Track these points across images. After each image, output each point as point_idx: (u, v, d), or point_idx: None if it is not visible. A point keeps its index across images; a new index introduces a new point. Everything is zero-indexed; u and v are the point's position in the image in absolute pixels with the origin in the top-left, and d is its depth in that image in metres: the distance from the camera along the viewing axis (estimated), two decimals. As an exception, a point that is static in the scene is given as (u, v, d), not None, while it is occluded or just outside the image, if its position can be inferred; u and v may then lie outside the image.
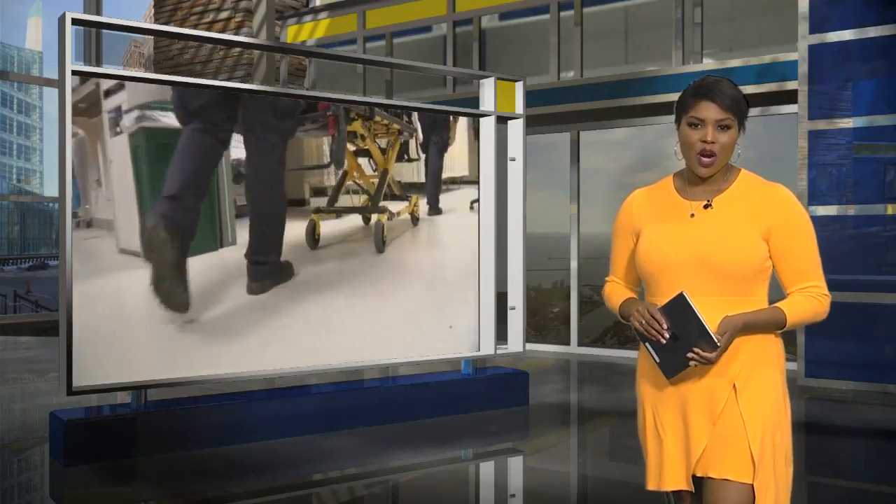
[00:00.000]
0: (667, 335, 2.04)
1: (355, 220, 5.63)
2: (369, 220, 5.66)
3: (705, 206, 2.12)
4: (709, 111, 2.06)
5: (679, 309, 2.02)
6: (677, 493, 2.18)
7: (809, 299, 2.10)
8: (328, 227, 5.48)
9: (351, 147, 5.61)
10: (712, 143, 2.06)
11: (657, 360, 2.08)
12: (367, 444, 5.12)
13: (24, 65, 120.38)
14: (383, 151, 5.74)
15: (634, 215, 2.26)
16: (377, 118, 5.70)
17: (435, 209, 5.93)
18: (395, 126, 5.77)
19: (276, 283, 5.20)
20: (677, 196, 2.18)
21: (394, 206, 5.76)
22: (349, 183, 5.59)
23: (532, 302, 9.06)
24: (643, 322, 2.06)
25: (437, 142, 5.98)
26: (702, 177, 2.12)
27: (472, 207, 6.08)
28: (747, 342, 2.07)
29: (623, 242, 2.29)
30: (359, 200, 5.63)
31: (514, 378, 6.23)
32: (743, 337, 2.06)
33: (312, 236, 5.38)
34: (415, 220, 5.83)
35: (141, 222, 4.75)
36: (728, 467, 2.05)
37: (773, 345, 2.13)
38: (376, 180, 5.71)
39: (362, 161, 5.66)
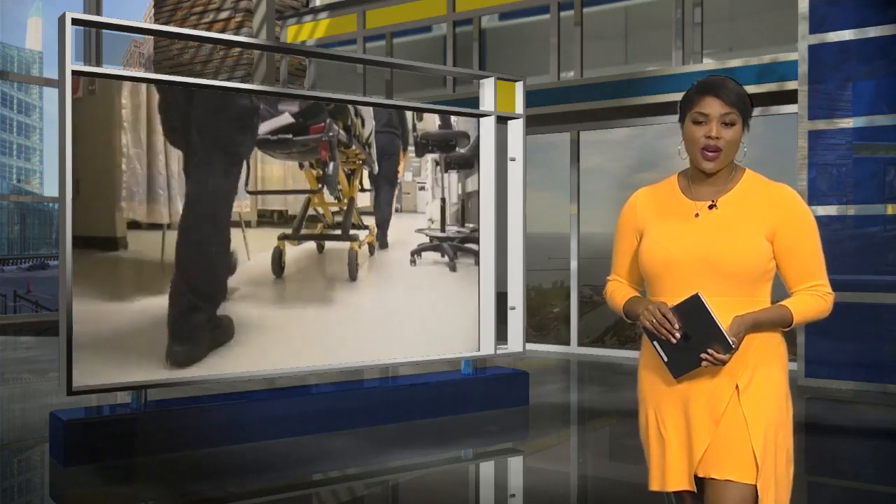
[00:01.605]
0: (678, 335, 2.03)
1: (332, 246, 5.52)
2: (323, 248, 5.50)
3: (710, 207, 2.12)
4: (713, 106, 2.07)
5: (693, 310, 2.01)
6: (678, 494, 2.18)
7: (815, 298, 2.11)
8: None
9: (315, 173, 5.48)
10: (717, 138, 2.07)
11: (665, 359, 2.08)
12: (367, 444, 5.12)
13: (24, 65, 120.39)
14: (348, 179, 5.64)
15: (638, 214, 2.25)
16: (353, 147, 5.59)
17: (384, 241, 5.77)
18: (362, 155, 5.66)
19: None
20: (682, 196, 2.18)
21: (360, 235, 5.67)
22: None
23: (532, 302, 9.06)
24: (654, 321, 2.06)
25: (388, 174, 5.82)
26: (707, 172, 2.11)
27: (412, 261, 5.84)
28: (753, 342, 2.07)
29: (626, 241, 2.29)
30: (316, 228, 5.49)
31: (514, 378, 6.23)
32: (748, 338, 2.06)
33: (278, 263, 5.28)
34: (371, 249, 5.69)
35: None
36: (731, 468, 2.05)
37: (776, 344, 2.13)
38: (335, 208, 5.57)
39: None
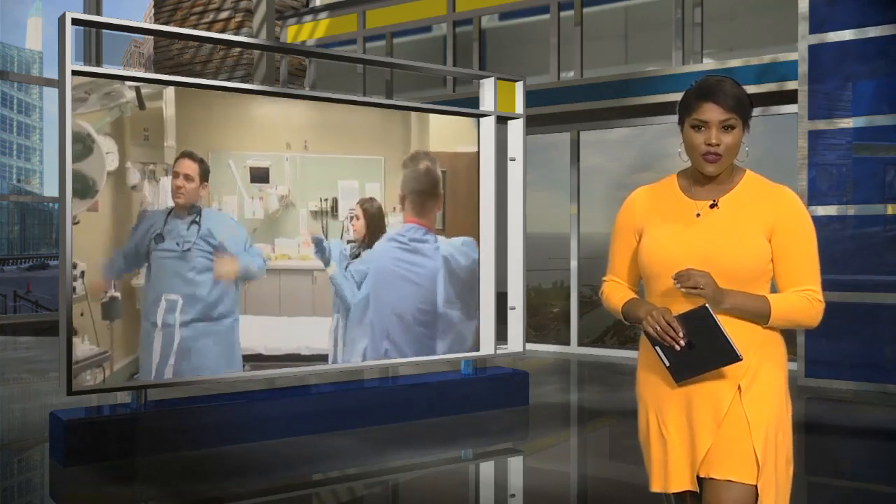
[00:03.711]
0: (682, 343, 2.03)
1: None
2: None
3: (711, 206, 2.12)
4: (712, 113, 2.06)
5: (699, 320, 2.01)
6: (679, 494, 2.17)
7: (802, 300, 2.09)
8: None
9: None
10: (716, 144, 2.06)
11: (667, 364, 2.07)
12: (367, 444, 5.12)
13: (24, 65, 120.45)
14: None
15: (637, 214, 2.24)
16: None
17: None
18: None
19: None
20: (682, 196, 2.18)
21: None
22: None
23: (532, 302, 9.06)
24: (658, 328, 2.05)
25: None
26: (709, 175, 2.11)
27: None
28: (753, 343, 2.07)
29: (624, 241, 2.28)
30: None
31: (514, 378, 6.23)
32: (749, 338, 2.06)
33: None
34: None
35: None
36: (732, 468, 2.04)
37: (776, 345, 2.13)
38: None
39: None
